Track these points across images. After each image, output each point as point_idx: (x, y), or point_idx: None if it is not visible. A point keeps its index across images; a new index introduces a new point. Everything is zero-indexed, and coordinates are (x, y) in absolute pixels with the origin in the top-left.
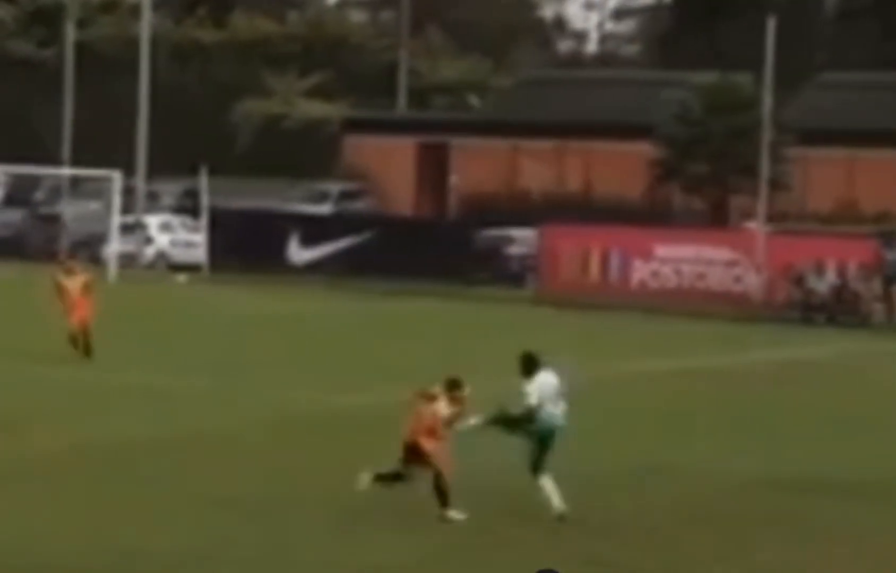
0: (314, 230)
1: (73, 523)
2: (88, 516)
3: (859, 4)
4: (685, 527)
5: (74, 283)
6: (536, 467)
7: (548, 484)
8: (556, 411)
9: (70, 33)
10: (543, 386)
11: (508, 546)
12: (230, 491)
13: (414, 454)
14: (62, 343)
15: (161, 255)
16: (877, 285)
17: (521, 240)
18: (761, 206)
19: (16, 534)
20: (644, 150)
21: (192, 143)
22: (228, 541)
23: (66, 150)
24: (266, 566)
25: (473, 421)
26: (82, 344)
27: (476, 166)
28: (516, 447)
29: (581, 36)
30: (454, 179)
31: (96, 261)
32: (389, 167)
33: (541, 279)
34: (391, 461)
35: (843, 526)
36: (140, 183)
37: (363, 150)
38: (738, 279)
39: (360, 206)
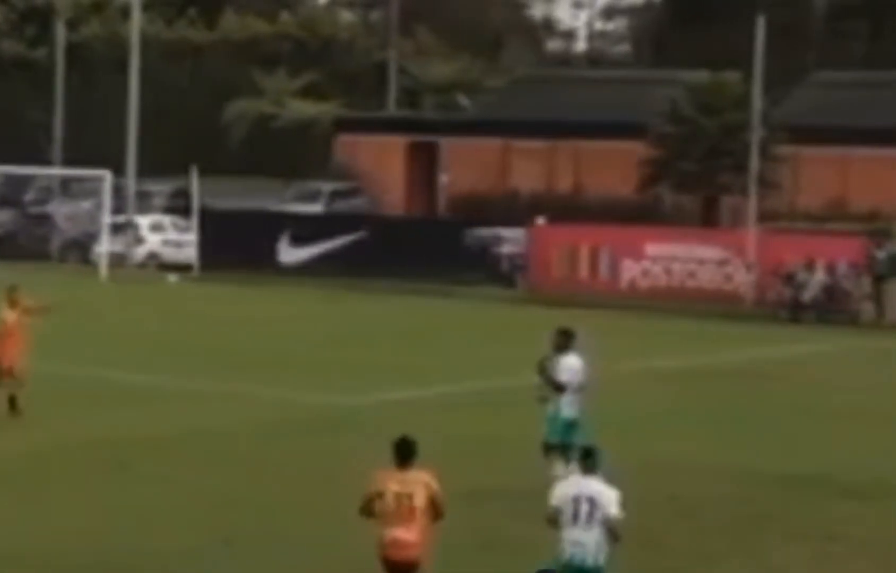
0: (305, 230)
1: (70, 521)
2: (82, 515)
3: (849, 4)
4: (682, 525)
5: (10, 317)
6: (549, 450)
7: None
8: (574, 399)
9: (60, 33)
10: (571, 367)
11: (507, 544)
12: (223, 491)
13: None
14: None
15: (152, 255)
16: (866, 284)
17: (512, 239)
18: (752, 205)
19: (11, 533)
20: (635, 148)
21: (183, 143)
22: (223, 539)
23: (56, 150)
24: (263, 564)
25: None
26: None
27: (467, 165)
28: (512, 446)
29: (570, 35)
30: (444, 178)
31: (87, 260)
32: (380, 166)
33: (530, 278)
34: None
35: (838, 523)
36: (131, 182)
37: (354, 149)
38: (728, 278)
39: (355, 204)
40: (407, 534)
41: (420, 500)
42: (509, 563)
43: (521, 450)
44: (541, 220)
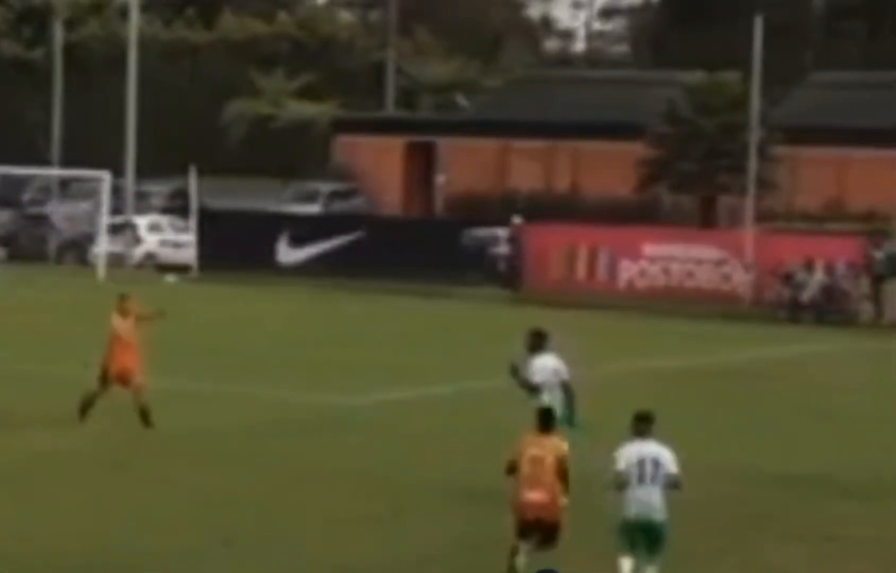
0: (303, 230)
1: (69, 522)
2: (83, 515)
3: (847, 4)
4: (681, 524)
5: (123, 325)
6: None
7: None
8: (554, 399)
9: (58, 34)
10: (545, 368)
11: (502, 545)
12: (223, 491)
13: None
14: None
15: (150, 256)
16: (864, 284)
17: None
18: (750, 205)
19: (10, 533)
20: (633, 149)
21: (181, 143)
22: (219, 539)
23: (55, 151)
24: (259, 565)
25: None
26: (139, 409)
27: (465, 166)
28: (510, 446)
29: (568, 35)
30: (442, 179)
31: (85, 261)
32: (378, 167)
33: (528, 278)
34: (379, 460)
35: (837, 523)
36: (129, 183)
37: (352, 149)
38: (726, 278)
39: (353, 204)
40: (538, 496)
41: (549, 465)
42: (506, 562)
43: None
44: (517, 219)
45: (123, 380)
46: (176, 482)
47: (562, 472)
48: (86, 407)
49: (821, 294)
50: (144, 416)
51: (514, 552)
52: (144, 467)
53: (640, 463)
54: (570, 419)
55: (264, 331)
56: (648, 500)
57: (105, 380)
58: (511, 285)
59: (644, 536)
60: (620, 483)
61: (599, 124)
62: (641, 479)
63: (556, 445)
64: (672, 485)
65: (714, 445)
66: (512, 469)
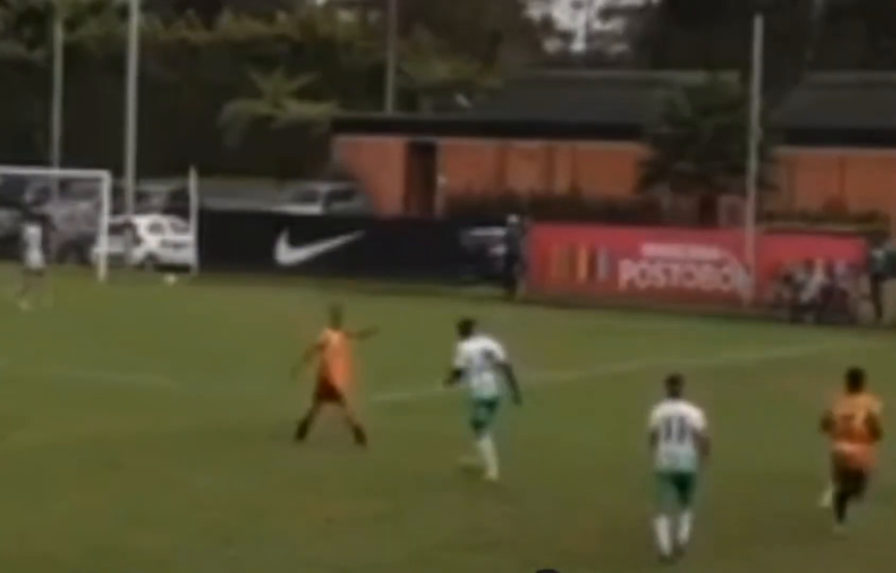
0: (303, 230)
1: (66, 521)
2: (81, 514)
3: (846, 4)
4: None
5: (336, 338)
6: (477, 427)
7: (487, 447)
8: (485, 380)
9: (58, 34)
10: (470, 351)
11: (500, 546)
12: (221, 491)
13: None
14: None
15: (150, 256)
16: (864, 284)
17: None
18: (749, 206)
19: (6, 533)
20: (633, 149)
21: (181, 144)
22: (216, 539)
23: (55, 151)
24: (256, 565)
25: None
26: (353, 429)
27: (465, 166)
28: (508, 446)
29: (568, 35)
30: (442, 180)
31: (85, 261)
32: (378, 167)
33: (529, 279)
34: (378, 460)
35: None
36: (129, 183)
37: (352, 150)
38: (726, 278)
39: (353, 204)
40: (849, 447)
41: (860, 421)
42: (504, 563)
43: (516, 450)
44: (513, 218)
45: (335, 396)
46: (175, 482)
47: (872, 427)
48: (303, 429)
49: (820, 294)
50: (359, 435)
51: (835, 497)
52: (143, 467)
53: (668, 421)
54: (516, 398)
55: (263, 332)
56: (676, 453)
57: (319, 397)
58: (507, 285)
59: (675, 487)
60: (651, 440)
61: (599, 125)
62: (669, 436)
63: (866, 403)
64: (700, 442)
65: (713, 445)
66: (825, 425)
